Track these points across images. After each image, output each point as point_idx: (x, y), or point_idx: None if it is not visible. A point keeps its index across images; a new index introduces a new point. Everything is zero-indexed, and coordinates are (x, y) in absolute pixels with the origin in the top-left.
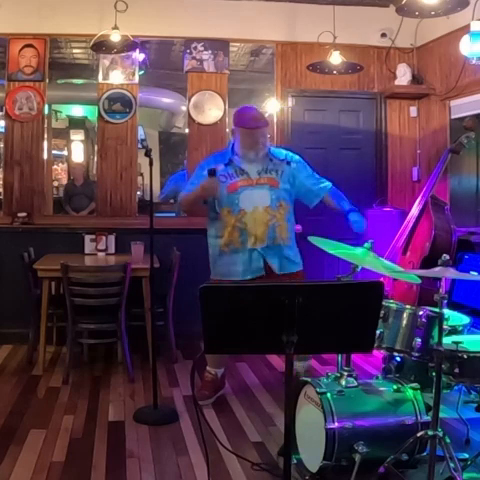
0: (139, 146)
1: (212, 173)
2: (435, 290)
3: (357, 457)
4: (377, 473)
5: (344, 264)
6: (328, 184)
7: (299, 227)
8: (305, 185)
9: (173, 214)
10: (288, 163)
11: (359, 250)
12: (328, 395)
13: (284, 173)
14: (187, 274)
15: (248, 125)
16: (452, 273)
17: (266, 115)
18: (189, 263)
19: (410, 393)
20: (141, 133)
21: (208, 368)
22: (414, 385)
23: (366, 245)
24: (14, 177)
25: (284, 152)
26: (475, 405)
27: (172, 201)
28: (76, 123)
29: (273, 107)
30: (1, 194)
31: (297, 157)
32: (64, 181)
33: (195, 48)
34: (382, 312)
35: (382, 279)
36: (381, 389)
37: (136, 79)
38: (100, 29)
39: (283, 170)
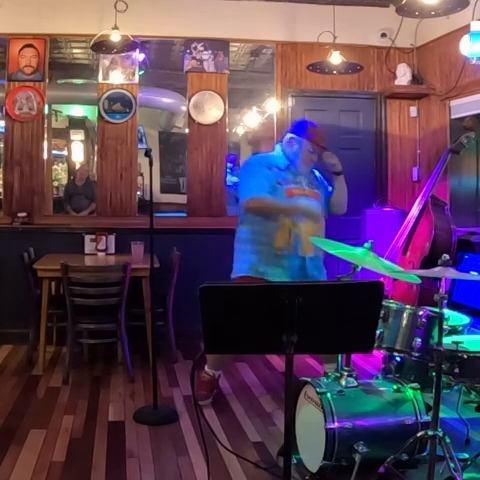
0: (139, 145)
1: None
2: (435, 290)
3: (357, 457)
4: (377, 473)
5: (344, 264)
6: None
7: None
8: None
9: (180, 214)
10: (321, 180)
11: (359, 250)
12: (328, 395)
13: (321, 190)
14: (187, 274)
15: (321, 143)
16: (452, 273)
17: (266, 115)
18: (189, 263)
19: (410, 393)
20: (140, 131)
21: (206, 369)
22: (414, 385)
23: (366, 245)
24: (14, 177)
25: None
26: (475, 405)
27: None
28: (76, 123)
29: (273, 107)
30: (1, 194)
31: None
32: (64, 181)
33: (195, 48)
34: (382, 312)
35: (382, 279)
36: (381, 389)
37: (136, 79)
38: (100, 29)
39: (320, 187)
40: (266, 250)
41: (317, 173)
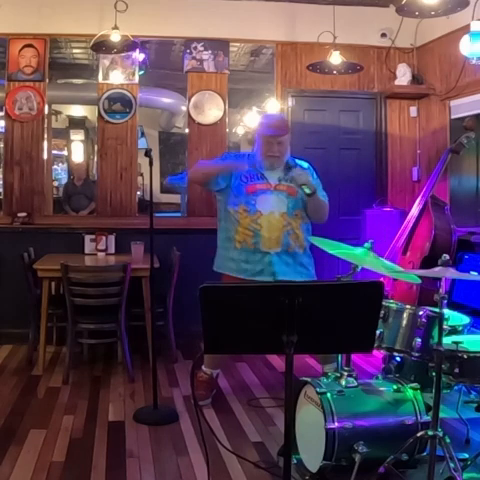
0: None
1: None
2: (435, 290)
3: (357, 457)
4: (377, 473)
5: (344, 264)
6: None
7: None
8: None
9: (177, 214)
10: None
11: (359, 250)
12: (328, 395)
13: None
14: (187, 274)
15: (272, 131)
16: (452, 273)
17: None
18: (189, 263)
19: (410, 393)
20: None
21: (204, 368)
22: (414, 385)
23: (366, 245)
24: (14, 177)
25: (306, 164)
26: (475, 405)
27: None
28: (76, 123)
29: (273, 107)
30: (1, 194)
31: (315, 174)
32: (64, 181)
33: (195, 48)
34: (382, 312)
35: (382, 279)
36: (381, 389)
37: (136, 79)
38: (100, 29)
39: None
40: (233, 246)
41: (303, 165)
